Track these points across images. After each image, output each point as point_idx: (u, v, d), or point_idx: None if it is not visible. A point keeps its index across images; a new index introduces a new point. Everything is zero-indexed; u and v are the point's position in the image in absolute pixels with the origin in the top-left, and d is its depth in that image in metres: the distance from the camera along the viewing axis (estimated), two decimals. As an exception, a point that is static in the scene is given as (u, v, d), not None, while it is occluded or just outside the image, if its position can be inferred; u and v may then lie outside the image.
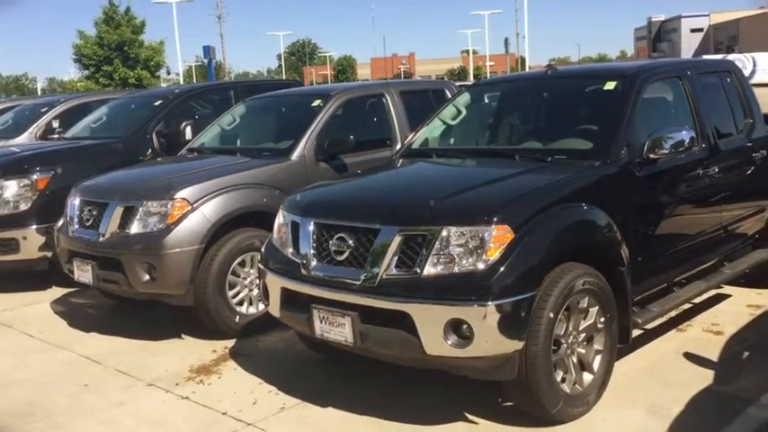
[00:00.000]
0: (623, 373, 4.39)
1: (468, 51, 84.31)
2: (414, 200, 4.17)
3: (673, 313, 5.19)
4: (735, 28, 59.33)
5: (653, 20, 73.48)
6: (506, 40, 59.94)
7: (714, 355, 4.67)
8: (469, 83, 9.20)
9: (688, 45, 62.62)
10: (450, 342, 3.56)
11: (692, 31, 64.20)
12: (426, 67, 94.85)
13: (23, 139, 9.76)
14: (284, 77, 65.87)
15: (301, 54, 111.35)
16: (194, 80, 63.90)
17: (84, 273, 5.72)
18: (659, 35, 71.29)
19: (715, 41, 61.88)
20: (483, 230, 3.63)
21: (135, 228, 5.42)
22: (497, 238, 3.62)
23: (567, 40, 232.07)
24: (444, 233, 3.66)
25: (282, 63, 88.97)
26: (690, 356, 4.67)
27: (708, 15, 65.51)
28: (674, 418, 3.88)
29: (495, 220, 3.64)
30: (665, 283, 4.81)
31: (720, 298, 5.81)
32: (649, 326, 4.89)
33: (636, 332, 4.55)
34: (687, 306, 5.42)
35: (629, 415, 3.96)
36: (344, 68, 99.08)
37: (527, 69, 44.36)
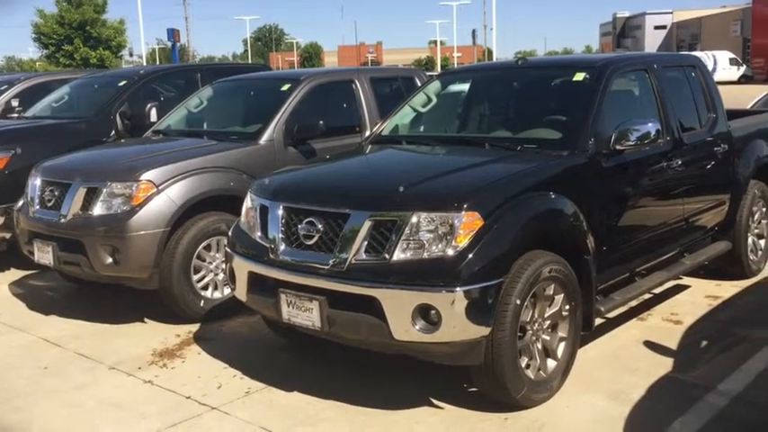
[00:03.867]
0: (586, 360, 4.46)
1: (435, 42, 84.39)
2: (384, 185, 4.16)
3: (634, 302, 5.29)
4: (697, 26, 60.43)
5: (618, 16, 74.31)
6: (474, 31, 60.34)
7: (673, 344, 4.78)
8: (437, 73, 9.27)
9: (652, 42, 63.62)
10: (417, 327, 3.57)
11: (656, 28, 65.30)
12: (394, 57, 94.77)
13: (-19, 117, 9.49)
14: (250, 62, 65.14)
15: (268, 40, 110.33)
16: (158, 63, 62.86)
17: (44, 254, 5.60)
18: (624, 31, 72.37)
19: (677, 39, 62.94)
20: (453, 217, 3.65)
21: (98, 209, 5.32)
22: (467, 224, 3.64)
23: (533, 33, 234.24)
24: (414, 219, 3.67)
25: (249, 48, 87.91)
26: (650, 345, 4.77)
27: (671, 13, 66.53)
28: (635, 403, 3.96)
29: (465, 206, 3.66)
30: (628, 273, 4.89)
31: (680, 288, 5.93)
32: (611, 314, 4.97)
33: (598, 320, 4.63)
34: (648, 296, 5.54)
35: (591, 400, 4.03)
36: (311, 55, 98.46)
37: (494, 61, 44.60)
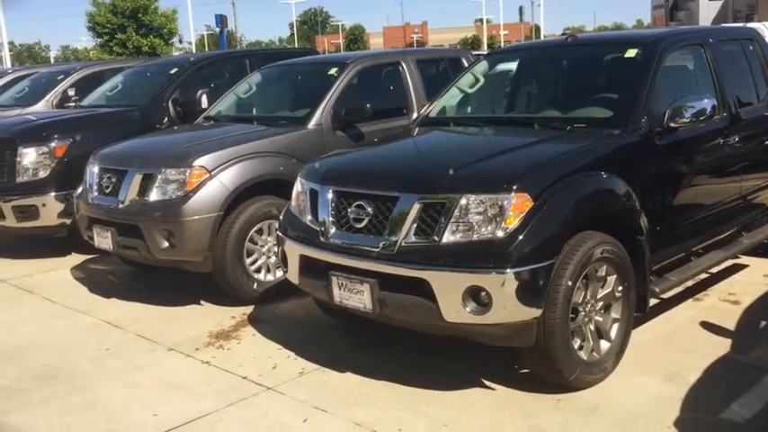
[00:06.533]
0: (640, 342, 4.41)
1: (481, 20, 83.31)
2: (433, 168, 4.16)
3: (690, 282, 5.19)
4: (754, -4, 58.11)
5: (671, -13, 71.87)
6: (521, 8, 59.36)
7: (731, 325, 4.68)
8: (484, 52, 9.18)
9: (706, 14, 61.48)
10: (468, 309, 3.59)
11: (711, -1, 62.97)
12: (439, 36, 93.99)
13: (40, 107, 9.80)
14: (296, 47, 65.37)
15: (313, 23, 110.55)
16: (206, 49, 63.61)
17: (103, 239, 5.78)
18: (677, 3, 69.99)
19: (733, 10, 60.71)
20: (502, 199, 3.63)
21: (154, 195, 5.46)
22: (517, 206, 3.62)
23: (582, 8, 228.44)
24: (463, 201, 3.67)
25: (294, 32, 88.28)
26: (707, 325, 4.68)
27: (727, -17, 64.08)
28: (691, 385, 3.91)
29: (514, 188, 3.64)
30: (683, 253, 4.80)
31: (737, 268, 5.80)
32: (666, 295, 4.89)
33: (653, 301, 4.56)
34: (704, 276, 5.43)
35: (646, 382, 3.99)
36: (356, 38, 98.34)
37: (542, 38, 43.85)
